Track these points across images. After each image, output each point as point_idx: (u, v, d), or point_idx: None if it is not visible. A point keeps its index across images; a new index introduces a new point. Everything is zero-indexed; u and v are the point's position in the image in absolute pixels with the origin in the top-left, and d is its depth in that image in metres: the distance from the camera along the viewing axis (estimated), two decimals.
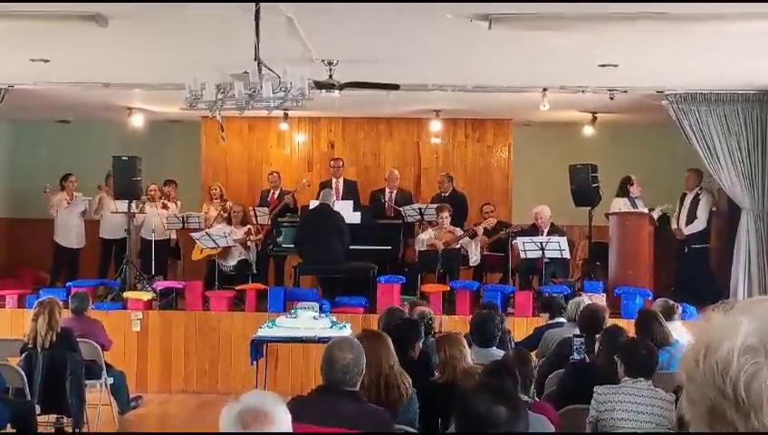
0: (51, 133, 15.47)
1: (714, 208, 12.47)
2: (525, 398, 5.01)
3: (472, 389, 3.47)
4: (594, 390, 5.40)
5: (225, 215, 13.06)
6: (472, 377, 5.29)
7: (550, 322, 8.58)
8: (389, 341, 5.27)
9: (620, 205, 12.20)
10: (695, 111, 11.24)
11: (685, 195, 12.63)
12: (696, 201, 12.43)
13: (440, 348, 5.80)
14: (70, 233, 13.57)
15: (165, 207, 13.49)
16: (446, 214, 12.20)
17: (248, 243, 12.45)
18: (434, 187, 13.86)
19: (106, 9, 7.55)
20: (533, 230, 12.19)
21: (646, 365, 5.44)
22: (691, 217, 12.43)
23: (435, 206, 12.60)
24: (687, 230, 12.40)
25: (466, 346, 5.85)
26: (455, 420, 3.39)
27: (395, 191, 13.49)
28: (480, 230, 12.21)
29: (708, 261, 12.61)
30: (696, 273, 12.29)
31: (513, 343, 7.85)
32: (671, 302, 8.04)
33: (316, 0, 6.70)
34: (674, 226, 12.67)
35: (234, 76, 6.56)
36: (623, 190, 12.32)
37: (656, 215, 12.17)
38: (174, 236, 13.66)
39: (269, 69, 6.61)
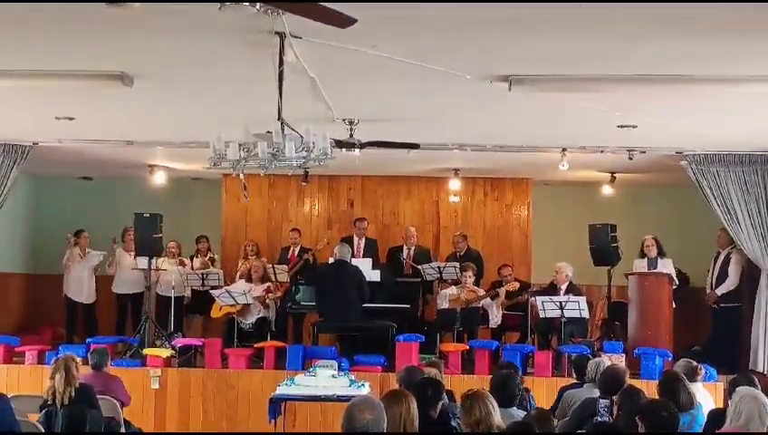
0: (73, 190, 15.62)
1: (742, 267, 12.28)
2: None
3: None
4: None
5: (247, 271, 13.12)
6: None
7: (573, 382, 8.53)
8: (411, 402, 5.23)
9: (639, 266, 12.18)
10: (713, 172, 11.25)
11: (719, 254, 12.48)
12: (727, 260, 12.28)
13: (474, 405, 5.71)
14: (82, 287, 13.68)
15: (182, 263, 13.54)
16: (470, 273, 12.21)
17: (267, 301, 12.44)
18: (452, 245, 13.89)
19: (132, 69, 7.69)
20: (552, 288, 12.17)
21: (667, 427, 5.39)
22: (722, 276, 12.28)
23: (453, 264, 12.60)
24: (720, 290, 12.23)
25: (495, 403, 5.82)
26: None
27: (413, 248, 13.53)
28: (502, 292, 12.18)
29: (739, 321, 12.24)
30: (724, 332, 12.17)
31: (531, 403, 7.78)
32: (694, 363, 7.96)
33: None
34: (708, 289, 12.48)
35: (257, 136, 6.63)
36: (641, 252, 12.32)
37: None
38: (189, 293, 13.65)
39: (292, 128, 6.68)
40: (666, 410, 5.51)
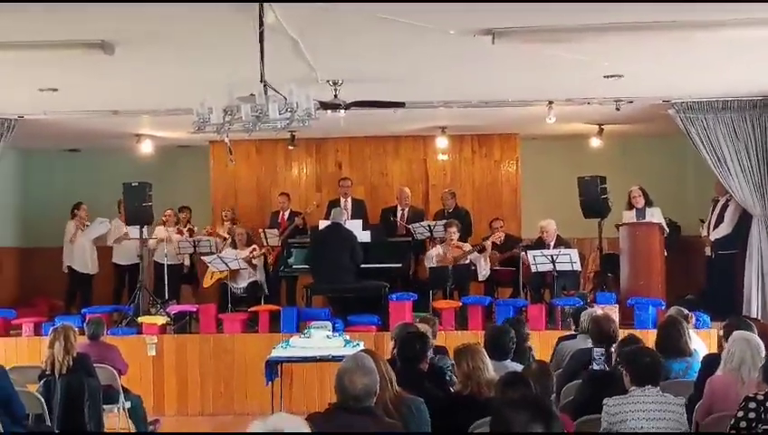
0: (61, 162, 15.58)
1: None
2: None
3: (509, 403, 3.48)
4: (604, 402, 5.34)
5: (229, 239, 13.18)
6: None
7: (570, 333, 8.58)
8: (381, 364, 5.17)
9: (627, 217, 12.17)
10: (702, 120, 11.22)
11: (717, 201, 12.36)
12: (725, 207, 12.15)
13: (462, 360, 5.74)
14: (85, 257, 13.67)
15: (180, 232, 13.55)
16: (454, 229, 12.23)
17: (253, 261, 12.50)
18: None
19: (112, 36, 7.62)
20: (540, 244, 12.21)
21: (651, 372, 5.39)
22: (720, 223, 12.18)
23: (443, 222, 12.61)
24: (714, 235, 12.19)
25: (487, 357, 5.84)
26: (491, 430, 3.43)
27: (407, 209, 13.52)
28: (489, 244, 12.19)
29: (734, 267, 12.08)
30: (719, 280, 12.14)
31: (533, 358, 7.81)
32: (685, 311, 8.00)
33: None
34: (703, 233, 12.52)
35: (240, 99, 6.60)
36: (629, 203, 12.32)
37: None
38: (187, 261, 13.69)
39: (275, 90, 6.64)
40: (647, 355, 5.53)
